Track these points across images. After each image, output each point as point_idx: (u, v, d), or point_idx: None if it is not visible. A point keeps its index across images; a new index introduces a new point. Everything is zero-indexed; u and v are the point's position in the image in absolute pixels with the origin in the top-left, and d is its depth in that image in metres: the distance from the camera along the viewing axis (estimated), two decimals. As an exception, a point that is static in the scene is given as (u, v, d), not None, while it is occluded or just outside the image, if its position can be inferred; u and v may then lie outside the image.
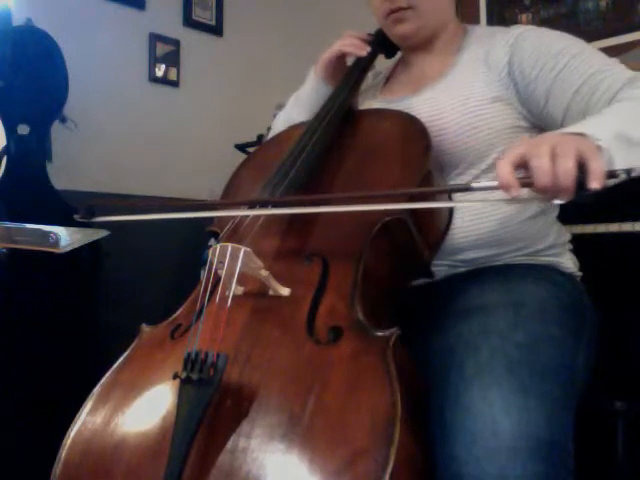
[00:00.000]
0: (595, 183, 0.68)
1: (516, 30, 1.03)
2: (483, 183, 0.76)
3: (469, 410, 0.74)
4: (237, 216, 0.96)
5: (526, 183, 0.71)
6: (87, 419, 0.78)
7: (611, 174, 0.69)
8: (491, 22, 2.24)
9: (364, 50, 1.14)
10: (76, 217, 0.89)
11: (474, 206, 0.99)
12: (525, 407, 0.74)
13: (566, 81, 0.95)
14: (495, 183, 0.71)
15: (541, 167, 0.69)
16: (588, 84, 0.93)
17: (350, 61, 1.18)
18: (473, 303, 0.89)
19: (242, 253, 0.79)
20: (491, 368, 0.77)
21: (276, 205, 0.90)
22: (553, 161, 0.69)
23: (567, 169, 0.68)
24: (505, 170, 0.70)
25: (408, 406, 0.67)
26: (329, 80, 1.16)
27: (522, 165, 0.71)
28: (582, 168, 0.69)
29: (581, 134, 0.74)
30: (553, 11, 2.14)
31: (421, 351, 0.84)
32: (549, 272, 1.00)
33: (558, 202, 0.72)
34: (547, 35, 1.01)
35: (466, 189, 0.76)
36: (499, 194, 0.73)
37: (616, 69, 0.94)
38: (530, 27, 1.04)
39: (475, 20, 2.24)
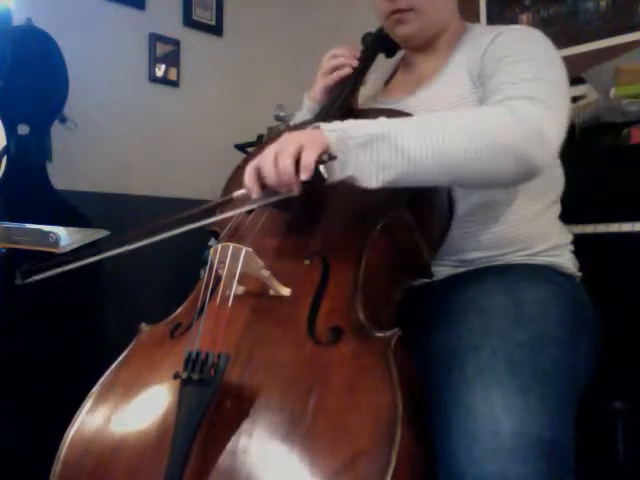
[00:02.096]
0: (302, 173, 0.78)
1: (496, 31, 1.02)
2: (236, 193, 0.85)
3: (470, 410, 0.74)
4: (238, 216, 0.96)
5: (263, 184, 0.81)
6: (86, 419, 0.78)
7: (320, 161, 0.78)
8: (491, 22, 2.25)
9: (353, 61, 1.13)
10: (16, 281, 0.88)
11: (476, 204, 0.98)
12: (526, 407, 0.74)
13: (491, 80, 0.94)
14: (242, 192, 0.84)
15: (265, 170, 0.80)
16: (498, 88, 0.91)
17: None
18: (474, 303, 0.89)
19: (243, 253, 0.79)
20: (492, 368, 0.77)
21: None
22: (275, 162, 0.79)
23: (283, 166, 0.78)
24: (247, 176, 0.82)
25: (409, 407, 0.67)
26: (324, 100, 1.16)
27: (258, 172, 0.82)
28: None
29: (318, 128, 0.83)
30: (553, 11, 2.14)
31: (421, 351, 0.84)
32: (549, 272, 1.00)
33: (294, 194, 0.80)
34: (511, 42, 0.99)
35: (227, 199, 0.87)
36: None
37: (532, 84, 0.88)
38: (510, 28, 1.03)
39: (475, 20, 2.24)
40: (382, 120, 0.83)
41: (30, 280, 0.87)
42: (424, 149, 0.79)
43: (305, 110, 1.19)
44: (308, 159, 0.78)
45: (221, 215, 0.90)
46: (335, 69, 1.13)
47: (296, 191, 0.80)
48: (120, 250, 0.86)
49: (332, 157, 0.78)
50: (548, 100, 0.86)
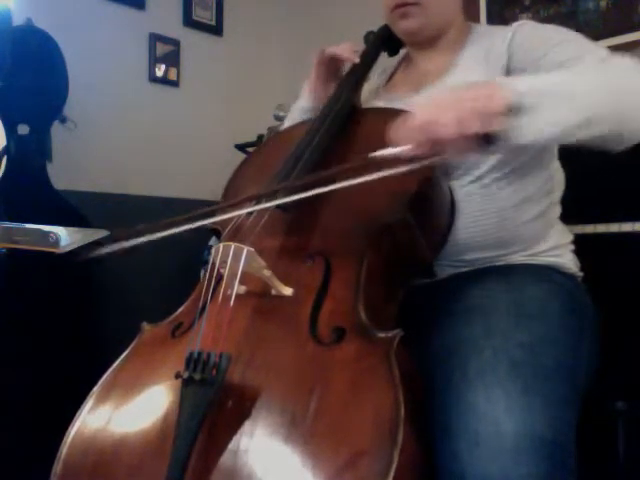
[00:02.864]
0: (486, 126, 0.69)
1: (515, 25, 1.04)
2: (384, 152, 0.76)
3: (472, 410, 0.74)
4: (240, 215, 0.96)
5: (434, 141, 0.72)
6: (87, 418, 0.78)
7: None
8: (491, 22, 2.24)
9: (351, 54, 1.13)
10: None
11: (477, 205, 0.98)
12: (528, 407, 0.73)
13: (550, 62, 0.95)
14: (402, 149, 0.73)
15: (439, 121, 0.71)
16: (567, 64, 0.92)
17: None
18: (475, 303, 0.89)
19: (245, 253, 0.79)
20: (494, 369, 0.77)
21: (278, 195, 0.88)
22: (453, 111, 0.71)
23: (465, 118, 0.70)
24: (415, 130, 0.73)
25: (411, 407, 0.67)
26: (321, 90, 1.16)
27: (428, 125, 0.73)
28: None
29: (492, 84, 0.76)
30: (553, 11, 2.14)
31: (423, 351, 0.84)
32: (550, 272, 1.00)
33: (465, 154, 0.73)
34: (542, 26, 1.04)
35: (366, 161, 0.77)
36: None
37: (597, 51, 0.93)
38: (528, 21, 1.06)
39: (475, 20, 2.24)
40: (551, 75, 0.82)
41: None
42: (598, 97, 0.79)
43: (301, 102, 1.20)
44: (497, 106, 0.69)
45: (226, 214, 0.90)
46: (334, 58, 1.14)
47: (472, 150, 0.72)
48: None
49: (517, 110, 0.70)
50: None
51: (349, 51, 1.14)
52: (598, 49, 0.94)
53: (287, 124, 1.24)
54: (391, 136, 0.75)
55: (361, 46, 1.19)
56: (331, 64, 1.17)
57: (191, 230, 0.85)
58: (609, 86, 0.83)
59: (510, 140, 0.72)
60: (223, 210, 0.93)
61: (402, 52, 1.23)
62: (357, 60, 1.13)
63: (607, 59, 0.90)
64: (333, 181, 0.79)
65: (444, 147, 0.73)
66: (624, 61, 0.87)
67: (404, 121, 0.75)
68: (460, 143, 0.72)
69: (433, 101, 0.75)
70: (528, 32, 1.02)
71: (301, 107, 1.20)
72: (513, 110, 0.72)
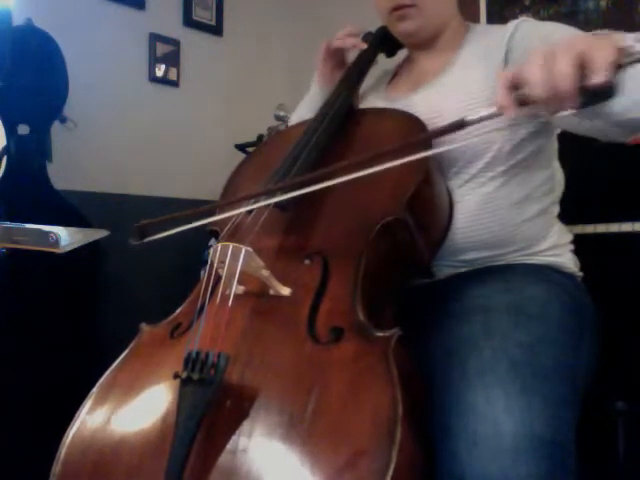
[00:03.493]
0: (597, 76, 0.61)
1: (516, 21, 1.05)
2: (479, 114, 0.69)
3: (471, 410, 0.73)
4: (238, 215, 0.96)
5: (523, 100, 0.65)
6: (86, 418, 0.78)
7: (621, 64, 0.60)
8: (491, 22, 2.24)
9: (355, 41, 1.15)
10: (131, 241, 0.87)
11: (475, 205, 0.98)
12: (527, 407, 0.73)
13: None
14: (491, 110, 0.67)
15: (533, 76, 0.64)
16: None
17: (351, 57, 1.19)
18: (474, 303, 0.89)
19: (243, 253, 0.79)
20: (493, 368, 0.77)
21: (276, 193, 0.87)
22: (547, 67, 0.64)
23: (561, 70, 0.62)
24: (499, 93, 0.66)
25: (409, 407, 0.67)
26: (328, 83, 1.17)
27: (519, 83, 0.66)
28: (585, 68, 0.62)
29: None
30: (553, 11, 2.14)
31: (422, 351, 0.84)
32: (550, 272, 1.00)
33: (567, 113, 0.64)
34: (543, 24, 1.04)
35: (461, 125, 0.69)
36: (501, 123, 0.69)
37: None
38: (529, 18, 1.06)
39: (475, 20, 2.24)
40: None
41: (141, 241, 0.86)
42: None
43: (310, 95, 1.20)
44: (601, 58, 0.61)
45: (224, 213, 0.90)
46: (338, 50, 1.16)
47: (574, 105, 0.64)
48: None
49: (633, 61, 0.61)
50: None
51: (351, 39, 1.16)
52: None
53: (295, 121, 1.24)
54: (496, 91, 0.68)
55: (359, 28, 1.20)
56: (336, 56, 1.19)
57: (187, 230, 0.85)
58: None
59: (615, 95, 0.64)
60: (221, 209, 0.93)
61: (403, 53, 1.23)
62: (363, 46, 1.15)
63: None
64: (330, 178, 0.79)
65: (540, 105, 0.66)
66: None
67: (497, 79, 0.68)
68: (558, 101, 0.64)
69: (530, 58, 0.67)
70: (528, 30, 1.02)
71: (312, 105, 1.20)
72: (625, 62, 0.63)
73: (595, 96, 0.63)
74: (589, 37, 0.68)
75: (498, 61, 1.00)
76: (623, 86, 0.63)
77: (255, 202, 0.89)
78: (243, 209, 0.90)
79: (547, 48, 0.66)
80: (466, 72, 1.03)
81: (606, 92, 0.63)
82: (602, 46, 0.63)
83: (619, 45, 0.64)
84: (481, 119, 0.69)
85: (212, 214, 0.90)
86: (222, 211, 0.92)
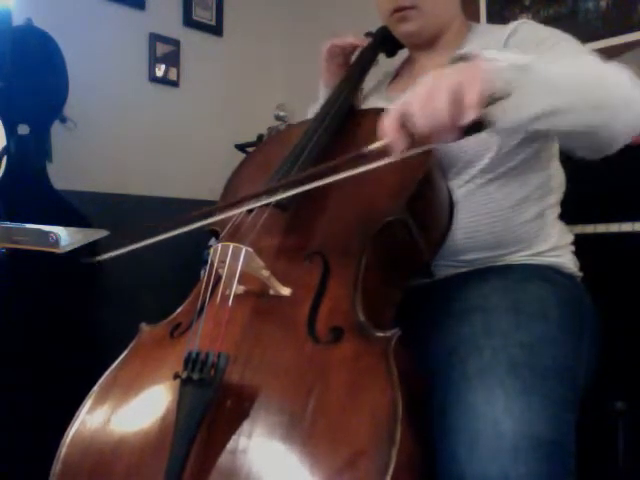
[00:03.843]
0: (466, 115, 0.66)
1: (515, 23, 1.04)
2: (371, 146, 0.75)
3: (471, 410, 0.74)
4: (238, 215, 0.96)
5: (410, 132, 0.71)
6: (86, 418, 0.78)
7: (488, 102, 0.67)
8: (491, 22, 2.24)
9: (356, 40, 1.16)
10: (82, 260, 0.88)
11: (476, 205, 0.98)
12: (527, 407, 0.73)
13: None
14: (382, 143, 0.72)
15: (413, 114, 0.69)
16: None
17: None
18: (474, 303, 0.89)
19: (244, 253, 0.79)
20: (493, 369, 0.77)
21: (275, 192, 0.87)
22: (428, 103, 0.68)
23: (440, 108, 0.67)
24: (389, 124, 0.71)
25: (409, 407, 0.67)
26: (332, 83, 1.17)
27: (406, 117, 0.71)
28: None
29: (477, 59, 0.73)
30: (553, 11, 2.14)
31: (423, 351, 0.84)
32: (550, 272, 1.00)
33: (447, 142, 0.70)
34: (541, 29, 1.03)
35: (358, 155, 0.75)
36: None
37: (590, 55, 0.90)
38: (528, 20, 1.06)
39: (475, 20, 2.24)
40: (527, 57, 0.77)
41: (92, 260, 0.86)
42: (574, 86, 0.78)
43: (321, 99, 1.21)
44: (472, 97, 0.66)
45: (222, 214, 0.90)
46: (342, 48, 1.17)
47: (452, 139, 0.70)
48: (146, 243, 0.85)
49: (501, 96, 0.67)
50: None
51: (351, 38, 1.17)
52: (591, 54, 0.92)
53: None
54: (379, 129, 0.75)
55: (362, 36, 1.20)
56: (339, 56, 1.19)
57: (190, 231, 0.85)
58: (592, 79, 0.82)
59: (489, 126, 0.70)
60: (220, 210, 0.93)
61: (404, 53, 1.23)
62: (364, 43, 1.15)
63: (599, 61, 0.89)
64: (327, 175, 0.79)
65: (425, 138, 0.72)
66: (614, 66, 0.86)
67: (386, 114, 0.74)
68: (439, 134, 0.70)
69: (412, 93, 0.73)
70: (524, 34, 1.01)
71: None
72: (493, 97, 0.69)
73: (470, 129, 0.68)
74: (465, 70, 0.71)
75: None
76: (495, 117, 0.68)
77: (256, 202, 0.89)
78: (244, 208, 0.90)
79: (429, 80, 0.71)
80: None
81: (478, 126, 0.68)
82: (473, 83, 0.67)
83: (488, 77, 0.68)
84: (372, 151, 0.74)
85: (206, 216, 0.90)
86: (221, 212, 0.92)
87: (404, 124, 0.71)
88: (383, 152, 0.74)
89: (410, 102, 0.70)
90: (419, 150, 0.73)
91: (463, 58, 0.75)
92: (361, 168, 0.76)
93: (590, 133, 0.83)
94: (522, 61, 0.73)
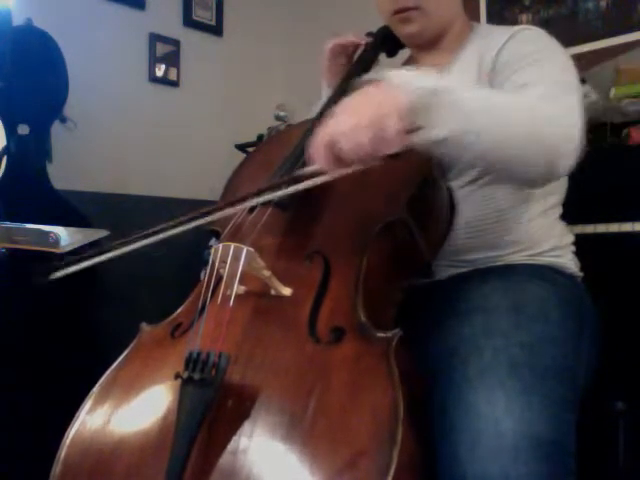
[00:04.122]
0: (388, 148, 0.70)
1: (514, 28, 1.02)
2: (306, 170, 0.80)
3: (472, 410, 0.74)
4: (238, 215, 0.96)
5: (339, 157, 0.73)
6: (86, 418, 0.78)
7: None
8: (491, 22, 2.24)
9: (357, 38, 1.16)
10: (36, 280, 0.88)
11: (476, 205, 0.98)
12: (528, 407, 0.74)
13: (512, 83, 0.93)
14: (314, 168, 0.77)
15: (341, 146, 0.71)
16: (516, 89, 0.90)
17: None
18: (475, 304, 0.89)
19: (245, 253, 0.79)
20: (494, 369, 0.77)
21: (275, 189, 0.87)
22: (350, 138, 0.70)
23: (363, 143, 0.70)
24: (318, 151, 0.74)
25: (410, 407, 0.67)
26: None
27: (334, 142, 0.73)
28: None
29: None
30: (553, 11, 2.14)
31: (423, 351, 0.84)
32: (550, 273, 1.00)
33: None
34: (531, 40, 0.99)
35: (295, 180, 0.80)
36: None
37: (552, 88, 0.87)
38: (525, 29, 1.02)
39: (475, 20, 2.24)
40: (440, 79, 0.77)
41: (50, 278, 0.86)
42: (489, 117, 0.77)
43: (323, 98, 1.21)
44: (393, 131, 0.69)
45: (222, 212, 0.89)
46: (343, 47, 1.16)
47: (378, 164, 0.74)
48: (137, 246, 0.85)
49: (418, 127, 0.70)
50: (578, 107, 0.85)
51: (352, 37, 1.16)
52: (556, 85, 0.88)
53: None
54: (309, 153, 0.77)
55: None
56: (341, 55, 1.18)
57: (189, 231, 0.85)
58: (515, 111, 0.80)
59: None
60: (220, 209, 0.92)
61: (405, 53, 1.23)
62: (364, 41, 1.15)
63: (545, 98, 0.84)
64: (324, 173, 0.79)
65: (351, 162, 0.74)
66: (550, 106, 0.83)
67: (314, 139, 0.76)
68: (366, 162, 0.73)
69: (336, 120, 0.74)
70: (516, 45, 0.99)
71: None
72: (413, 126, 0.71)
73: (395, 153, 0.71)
74: (384, 100, 0.72)
75: (488, 69, 1.00)
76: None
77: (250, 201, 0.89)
78: (246, 205, 0.90)
79: (352, 110, 0.73)
80: (462, 76, 1.03)
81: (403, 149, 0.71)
82: (394, 114, 0.69)
83: (404, 104, 0.70)
84: (307, 175, 0.79)
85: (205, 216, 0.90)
86: (216, 212, 0.92)
87: (332, 149, 0.73)
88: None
89: (335, 131, 0.72)
90: (347, 171, 0.76)
91: (371, 82, 0.76)
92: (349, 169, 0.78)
93: (502, 163, 0.81)
94: (431, 83, 0.73)
